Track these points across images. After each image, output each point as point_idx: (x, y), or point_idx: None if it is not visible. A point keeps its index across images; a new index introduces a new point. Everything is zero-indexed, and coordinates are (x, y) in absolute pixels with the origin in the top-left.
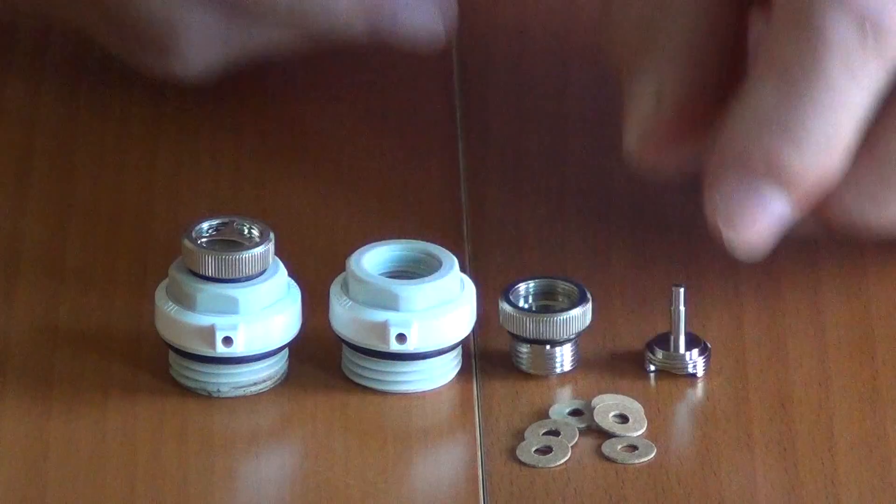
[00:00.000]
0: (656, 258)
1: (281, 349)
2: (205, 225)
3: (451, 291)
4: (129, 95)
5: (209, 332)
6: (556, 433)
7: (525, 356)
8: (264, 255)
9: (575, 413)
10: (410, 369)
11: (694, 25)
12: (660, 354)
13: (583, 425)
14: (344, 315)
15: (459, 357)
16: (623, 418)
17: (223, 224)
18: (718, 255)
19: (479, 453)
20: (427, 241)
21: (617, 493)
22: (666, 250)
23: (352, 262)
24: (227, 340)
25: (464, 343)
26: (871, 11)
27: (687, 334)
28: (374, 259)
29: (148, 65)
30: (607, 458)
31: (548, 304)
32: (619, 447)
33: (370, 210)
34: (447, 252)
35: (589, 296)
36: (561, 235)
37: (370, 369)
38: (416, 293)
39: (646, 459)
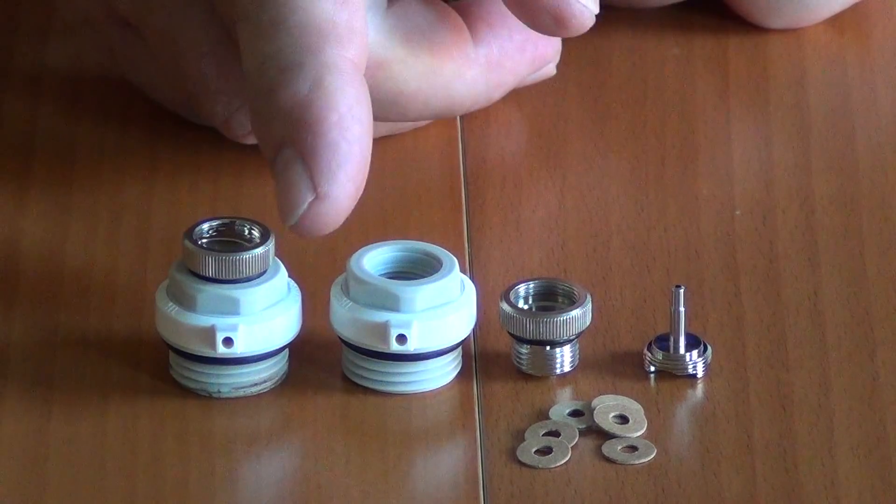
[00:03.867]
0: (656, 258)
1: (281, 350)
2: (205, 226)
3: (452, 292)
4: (129, 95)
5: (209, 333)
6: (556, 434)
7: (525, 357)
8: (265, 256)
9: (575, 414)
10: (411, 370)
11: None
12: (660, 355)
13: (583, 426)
14: (344, 316)
15: (460, 358)
16: (623, 419)
17: (224, 225)
18: (718, 255)
19: (479, 454)
20: (427, 241)
21: (617, 493)
22: (666, 250)
23: (352, 262)
24: (228, 341)
25: (464, 344)
26: None
27: (687, 335)
28: (374, 260)
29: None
30: (607, 459)
31: (548, 304)
32: (620, 448)
33: (370, 210)
34: (447, 253)
35: (589, 296)
36: (561, 235)
37: (370, 370)
38: (416, 294)
39: (646, 460)
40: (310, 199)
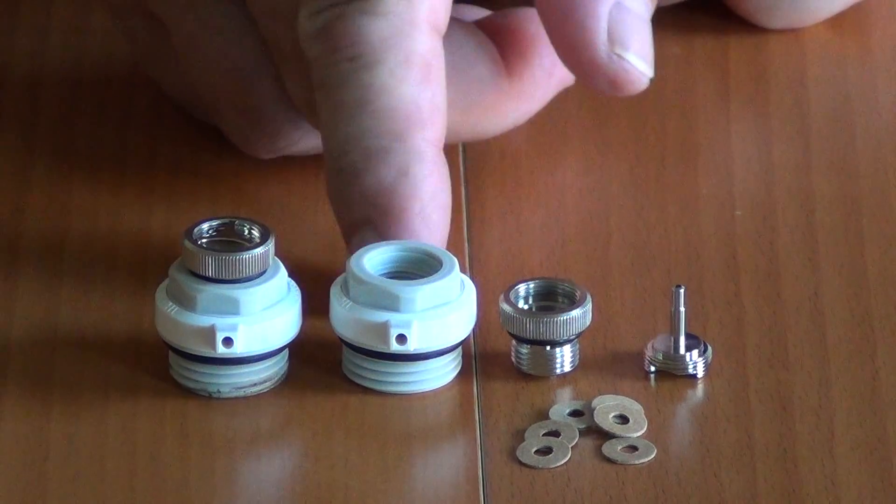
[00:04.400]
0: (656, 258)
1: (281, 350)
2: (205, 225)
3: (452, 292)
4: (128, 95)
5: (209, 333)
6: (556, 434)
7: (525, 357)
8: (265, 256)
9: (575, 414)
10: (411, 370)
11: None
12: (660, 355)
13: (583, 426)
14: (344, 316)
15: (460, 358)
16: (623, 419)
17: (223, 225)
18: (718, 255)
19: (479, 454)
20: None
21: (617, 493)
22: (666, 250)
23: (352, 262)
24: (228, 341)
25: (464, 344)
26: None
27: (687, 335)
28: (374, 260)
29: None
30: (607, 459)
31: (548, 304)
32: (620, 448)
33: None
34: (447, 253)
35: (589, 296)
36: (561, 235)
37: (370, 370)
38: (416, 294)
39: (646, 460)
40: None
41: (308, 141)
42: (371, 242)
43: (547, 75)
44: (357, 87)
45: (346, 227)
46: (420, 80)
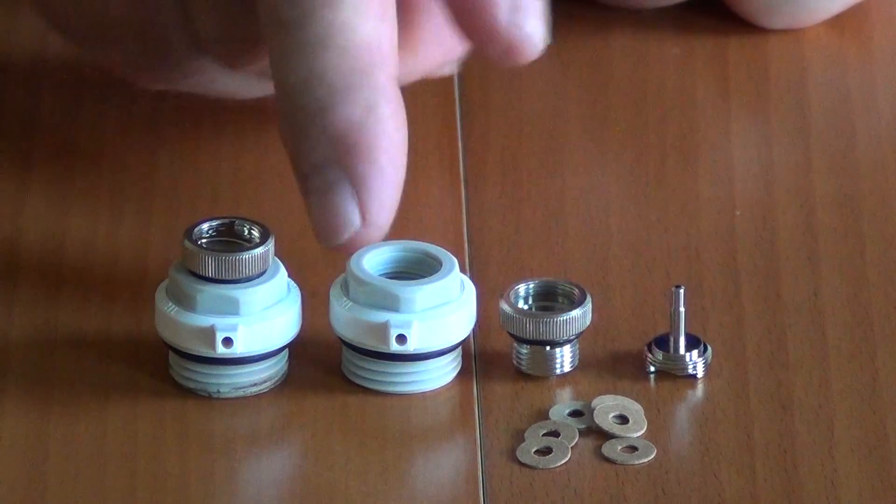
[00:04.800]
0: (656, 258)
1: (281, 350)
2: (205, 226)
3: (452, 292)
4: (128, 95)
5: (209, 333)
6: (555, 434)
7: (525, 357)
8: (264, 256)
9: (575, 414)
10: (410, 370)
11: None
12: (660, 355)
13: (583, 426)
14: (344, 316)
15: (459, 358)
16: (623, 419)
17: (223, 225)
18: (718, 255)
19: (479, 454)
20: (427, 241)
21: (617, 493)
22: (666, 250)
23: (352, 262)
24: (227, 341)
25: (464, 344)
26: None
27: (687, 335)
28: (374, 260)
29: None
30: (607, 459)
31: (547, 304)
32: (619, 448)
33: None
34: (447, 253)
35: (589, 296)
36: (561, 235)
37: (370, 370)
38: (416, 294)
39: (646, 460)
40: (358, 226)
41: (202, 76)
42: (338, 186)
43: (436, 41)
44: (318, 22)
45: (307, 169)
46: (379, 17)
